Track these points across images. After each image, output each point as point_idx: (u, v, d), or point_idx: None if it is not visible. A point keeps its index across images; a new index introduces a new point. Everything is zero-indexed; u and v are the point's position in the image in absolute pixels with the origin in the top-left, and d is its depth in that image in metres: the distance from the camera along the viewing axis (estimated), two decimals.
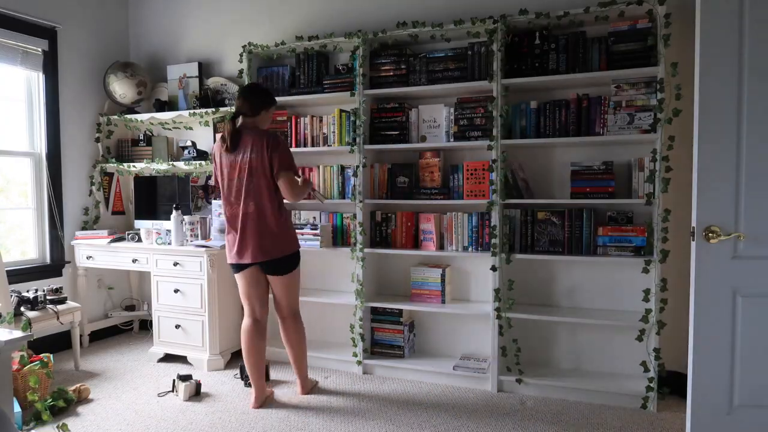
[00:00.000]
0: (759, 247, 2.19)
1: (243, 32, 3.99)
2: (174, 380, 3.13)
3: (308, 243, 3.51)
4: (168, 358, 3.69)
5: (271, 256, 2.80)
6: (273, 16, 3.91)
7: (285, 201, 2.87)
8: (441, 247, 3.35)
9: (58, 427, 2.58)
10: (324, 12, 3.75)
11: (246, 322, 2.96)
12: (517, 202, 3.11)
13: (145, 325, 4.36)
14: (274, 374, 3.43)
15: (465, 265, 3.44)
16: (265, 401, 3.00)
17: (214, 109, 3.76)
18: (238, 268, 2.88)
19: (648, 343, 2.87)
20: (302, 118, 3.65)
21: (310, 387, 3.17)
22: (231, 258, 2.87)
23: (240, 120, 2.86)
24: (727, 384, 2.25)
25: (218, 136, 2.91)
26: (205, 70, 4.09)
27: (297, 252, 2.91)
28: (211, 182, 3.98)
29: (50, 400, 2.82)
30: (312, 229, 3.50)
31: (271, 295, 3.04)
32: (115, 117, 4.13)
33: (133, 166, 4.10)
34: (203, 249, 3.48)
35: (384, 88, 3.36)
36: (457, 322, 3.45)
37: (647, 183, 2.86)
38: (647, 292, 2.84)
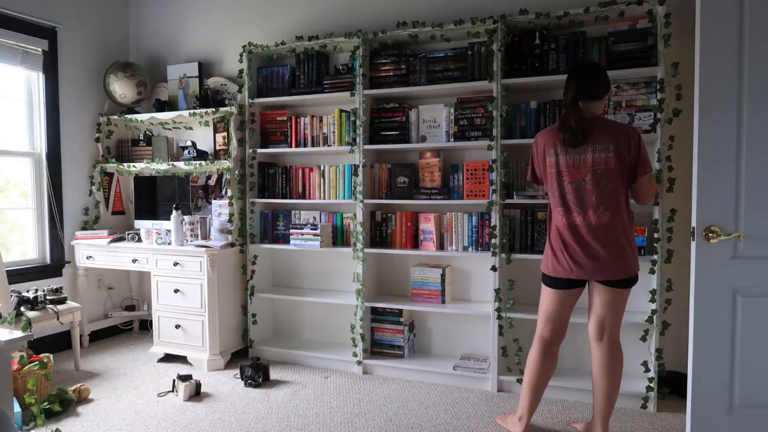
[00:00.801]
0: (759, 247, 2.19)
1: (243, 32, 3.99)
2: (174, 380, 3.13)
3: (308, 243, 3.51)
4: (168, 358, 3.69)
5: (619, 276, 2.33)
6: (273, 15, 3.91)
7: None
8: (441, 247, 3.35)
9: None
10: (324, 12, 3.75)
11: (539, 346, 2.49)
12: (517, 202, 3.11)
13: (145, 325, 4.36)
14: (274, 374, 3.43)
15: (465, 265, 3.44)
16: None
17: (214, 109, 3.76)
18: (561, 284, 2.42)
19: (650, 343, 2.87)
20: (302, 118, 3.65)
21: None
22: (559, 272, 2.39)
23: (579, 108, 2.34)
24: (727, 384, 2.25)
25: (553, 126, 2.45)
26: (205, 70, 4.10)
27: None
28: (211, 182, 3.98)
29: (46, 403, 2.81)
30: (312, 229, 3.50)
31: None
32: (115, 117, 4.13)
33: (133, 166, 4.10)
34: (203, 249, 3.48)
35: (384, 88, 3.36)
36: (457, 322, 3.45)
37: None
38: (653, 293, 2.84)
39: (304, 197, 3.66)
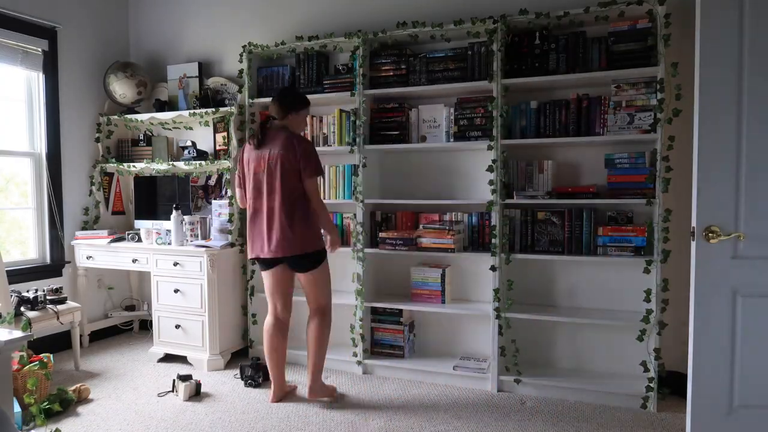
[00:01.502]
0: (759, 247, 2.19)
1: (243, 32, 3.99)
2: (174, 380, 3.13)
3: None
4: (168, 358, 3.69)
5: (292, 252, 2.80)
6: (273, 16, 3.91)
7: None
8: None
9: None
10: (324, 12, 3.75)
11: (268, 319, 3.00)
12: (517, 202, 3.12)
13: (145, 325, 4.36)
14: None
15: (465, 265, 3.44)
16: (285, 396, 3.07)
17: (214, 109, 3.76)
18: (265, 264, 2.91)
19: (648, 343, 2.87)
20: None
21: (322, 393, 3.02)
22: (253, 252, 2.89)
23: (271, 122, 2.91)
24: (727, 384, 2.25)
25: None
26: (205, 70, 4.09)
27: (322, 250, 2.91)
28: (211, 182, 3.98)
29: (46, 403, 2.81)
30: None
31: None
32: (115, 117, 4.13)
33: (133, 166, 4.10)
34: (203, 249, 3.47)
35: (384, 88, 3.36)
36: (457, 322, 3.45)
37: (647, 183, 2.86)
38: (648, 292, 2.85)
39: None
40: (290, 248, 2.79)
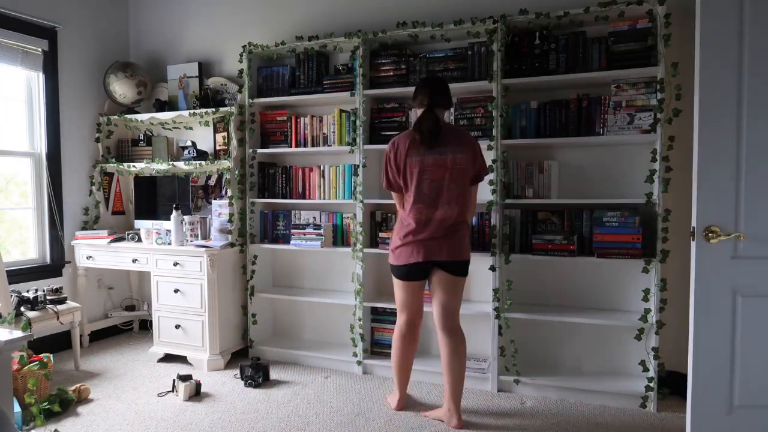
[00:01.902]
0: (759, 247, 2.19)
1: (243, 32, 3.99)
2: (174, 380, 3.13)
3: (309, 243, 3.51)
4: (168, 358, 3.69)
5: (461, 257, 2.65)
6: (273, 16, 3.91)
7: None
8: None
9: None
10: (324, 12, 3.75)
11: (404, 328, 2.79)
12: (517, 202, 3.12)
13: (145, 325, 4.36)
14: (274, 374, 3.43)
15: None
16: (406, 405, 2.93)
17: (214, 109, 3.76)
18: (409, 275, 2.68)
19: (647, 342, 2.87)
20: (302, 118, 3.65)
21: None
22: (411, 257, 2.64)
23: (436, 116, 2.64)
24: (727, 384, 2.25)
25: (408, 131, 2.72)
26: (205, 70, 4.09)
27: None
28: (211, 182, 3.98)
29: (46, 403, 2.81)
30: (315, 228, 3.50)
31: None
32: (115, 117, 4.13)
33: (133, 166, 4.10)
34: (203, 249, 3.48)
35: (384, 88, 3.36)
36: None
37: (647, 183, 2.86)
38: (647, 291, 2.85)
39: (304, 197, 3.66)
40: (459, 254, 2.64)
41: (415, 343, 2.84)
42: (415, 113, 3.35)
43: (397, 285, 2.77)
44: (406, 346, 2.81)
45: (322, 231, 3.48)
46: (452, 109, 3.26)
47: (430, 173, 2.61)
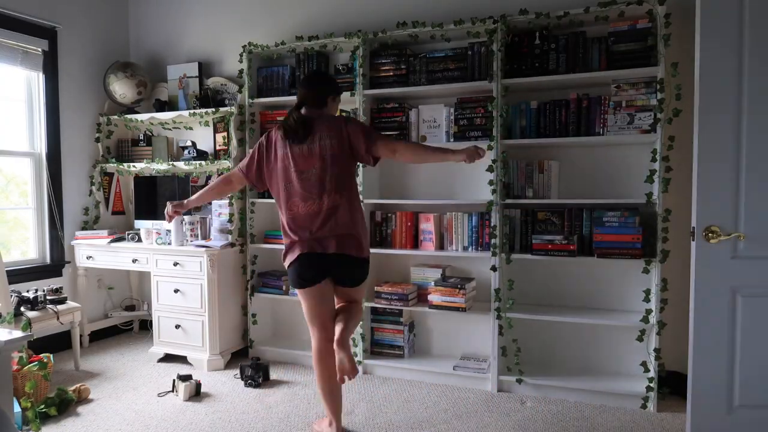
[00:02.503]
0: (759, 247, 2.19)
1: (243, 32, 3.99)
2: (174, 380, 3.13)
3: None
4: (168, 358, 3.69)
5: (357, 252, 2.43)
6: (273, 16, 3.91)
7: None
8: (441, 247, 3.35)
9: None
10: (324, 12, 3.75)
11: (319, 344, 2.53)
12: (517, 202, 3.12)
13: (145, 325, 4.36)
14: (274, 374, 3.43)
15: (465, 265, 3.44)
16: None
17: (214, 109, 3.76)
18: (305, 282, 2.45)
19: (648, 343, 2.87)
20: None
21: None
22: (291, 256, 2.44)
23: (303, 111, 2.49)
24: (727, 384, 2.25)
25: (274, 127, 2.54)
26: (205, 70, 4.09)
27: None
28: (211, 182, 3.97)
29: (43, 406, 2.80)
30: None
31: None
32: (115, 117, 4.13)
33: (133, 166, 4.10)
34: (203, 249, 3.47)
35: (384, 88, 3.36)
36: (456, 322, 3.45)
37: (647, 183, 2.86)
38: (647, 292, 2.85)
39: None
40: (353, 249, 2.43)
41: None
42: (415, 113, 3.38)
43: (300, 294, 2.51)
44: (327, 367, 2.49)
45: None
46: (452, 109, 3.26)
47: (300, 165, 2.40)
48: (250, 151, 2.63)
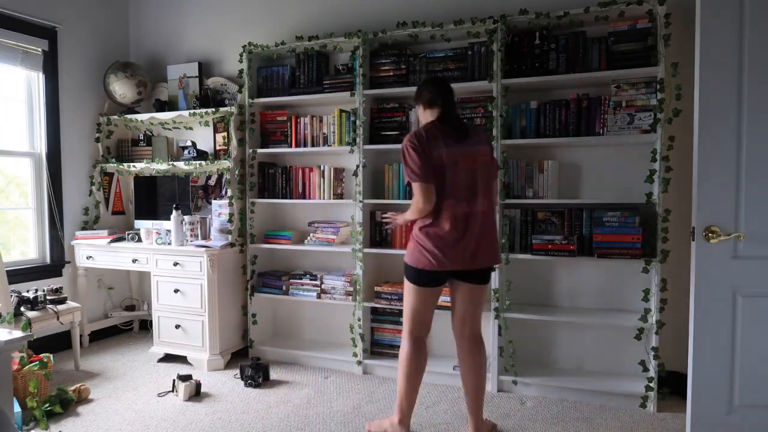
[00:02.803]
0: (759, 247, 2.19)
1: (243, 32, 3.99)
2: (174, 380, 3.13)
3: (321, 244, 3.51)
4: (168, 358, 3.69)
5: (496, 261, 2.46)
6: (273, 16, 3.91)
7: None
8: None
9: None
10: (324, 12, 3.75)
11: (413, 346, 2.47)
12: (517, 202, 3.12)
13: (145, 325, 4.36)
14: (274, 374, 3.43)
15: None
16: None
17: (214, 109, 3.76)
18: (435, 281, 2.42)
19: (648, 343, 2.87)
20: (302, 118, 3.65)
21: (487, 430, 2.58)
22: (447, 264, 2.33)
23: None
24: (727, 384, 2.25)
25: (425, 124, 2.50)
26: (205, 70, 4.09)
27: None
28: (211, 182, 3.98)
29: (47, 405, 2.81)
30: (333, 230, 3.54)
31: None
32: (115, 117, 4.13)
33: (133, 166, 4.10)
34: (203, 249, 3.47)
35: (384, 88, 3.36)
36: None
37: (647, 183, 2.86)
38: (647, 292, 2.85)
39: (304, 197, 3.66)
40: (495, 258, 2.45)
41: (425, 358, 2.51)
42: (416, 113, 3.37)
43: (415, 292, 2.45)
44: (418, 364, 2.47)
45: (337, 233, 3.54)
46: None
47: (463, 164, 2.35)
48: None
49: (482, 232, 2.37)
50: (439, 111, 2.46)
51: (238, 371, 3.39)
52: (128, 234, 3.85)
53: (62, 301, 3.39)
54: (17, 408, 2.65)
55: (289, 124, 3.67)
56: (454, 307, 2.51)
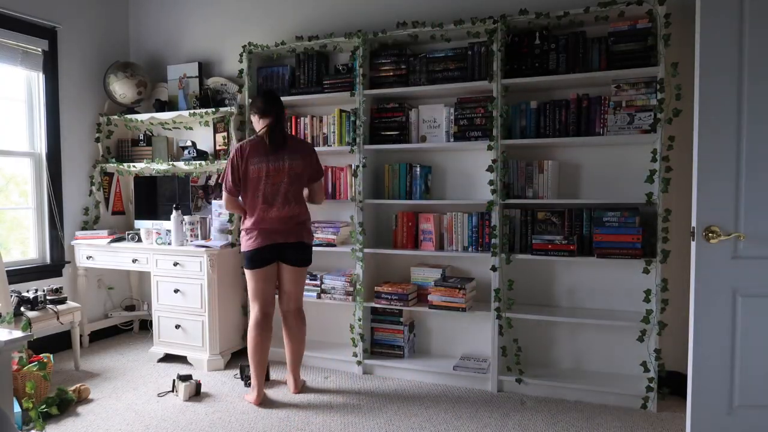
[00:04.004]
0: (759, 247, 2.19)
1: (243, 32, 3.99)
2: (174, 380, 3.13)
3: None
4: (168, 358, 3.69)
5: (301, 239, 2.96)
6: (273, 16, 3.91)
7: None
8: (441, 247, 3.35)
9: None
10: (324, 12, 3.75)
11: (257, 318, 3.00)
12: (517, 202, 3.12)
13: (145, 325, 4.36)
14: (274, 374, 3.43)
15: (465, 265, 3.44)
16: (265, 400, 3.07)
17: (214, 109, 3.76)
18: (257, 263, 2.92)
19: (648, 343, 2.87)
20: (302, 118, 3.65)
21: (301, 386, 3.22)
22: (254, 244, 2.90)
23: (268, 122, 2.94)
24: (727, 384, 2.25)
25: (251, 138, 3.00)
26: (205, 70, 4.09)
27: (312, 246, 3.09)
28: (211, 182, 3.98)
29: (44, 406, 2.80)
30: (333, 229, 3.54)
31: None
32: (115, 117, 4.13)
33: (133, 166, 4.10)
34: (203, 249, 3.48)
35: (384, 88, 3.36)
36: (457, 322, 3.45)
37: (647, 183, 2.86)
38: (648, 292, 2.85)
39: None
40: (298, 236, 2.96)
41: (270, 332, 3.03)
42: (415, 113, 3.38)
43: (249, 275, 2.98)
44: (262, 337, 2.98)
45: (338, 234, 3.52)
46: (452, 109, 3.26)
47: (274, 177, 2.88)
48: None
49: (287, 228, 2.91)
50: (268, 121, 2.92)
51: (238, 371, 3.39)
52: (128, 234, 3.85)
53: (62, 301, 3.39)
54: (17, 408, 2.65)
55: (289, 124, 3.67)
56: (281, 286, 3.07)
